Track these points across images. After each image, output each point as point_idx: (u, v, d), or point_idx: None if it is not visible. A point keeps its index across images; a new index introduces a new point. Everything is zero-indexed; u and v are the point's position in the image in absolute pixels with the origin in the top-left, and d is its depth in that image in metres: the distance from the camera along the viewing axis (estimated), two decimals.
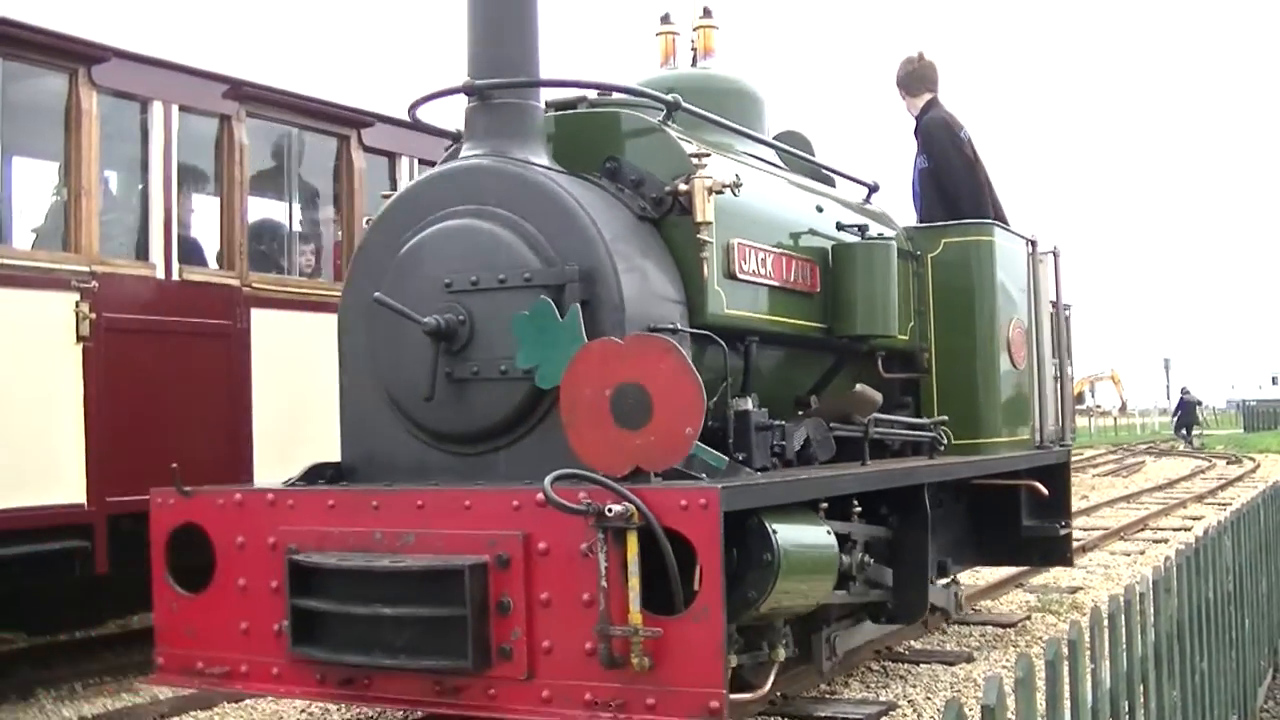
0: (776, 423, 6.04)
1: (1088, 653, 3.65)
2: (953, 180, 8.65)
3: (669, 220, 5.88)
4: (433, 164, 9.87)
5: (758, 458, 5.75)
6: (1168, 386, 71.88)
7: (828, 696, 6.95)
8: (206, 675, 5.56)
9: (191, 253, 8.56)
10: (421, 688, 5.07)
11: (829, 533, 5.63)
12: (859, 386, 6.81)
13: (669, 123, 6.13)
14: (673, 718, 4.58)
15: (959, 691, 7.03)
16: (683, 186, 5.77)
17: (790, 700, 6.71)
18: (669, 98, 6.14)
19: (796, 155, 7.79)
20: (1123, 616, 3.96)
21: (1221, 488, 22.62)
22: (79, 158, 7.53)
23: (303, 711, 6.97)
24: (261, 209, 9.43)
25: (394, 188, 9.64)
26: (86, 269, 7.44)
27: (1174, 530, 15.29)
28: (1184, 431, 47.99)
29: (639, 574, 4.57)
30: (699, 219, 5.72)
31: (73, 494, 7.31)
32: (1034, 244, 8.74)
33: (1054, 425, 8.95)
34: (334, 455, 6.01)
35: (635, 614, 4.55)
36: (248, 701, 7.19)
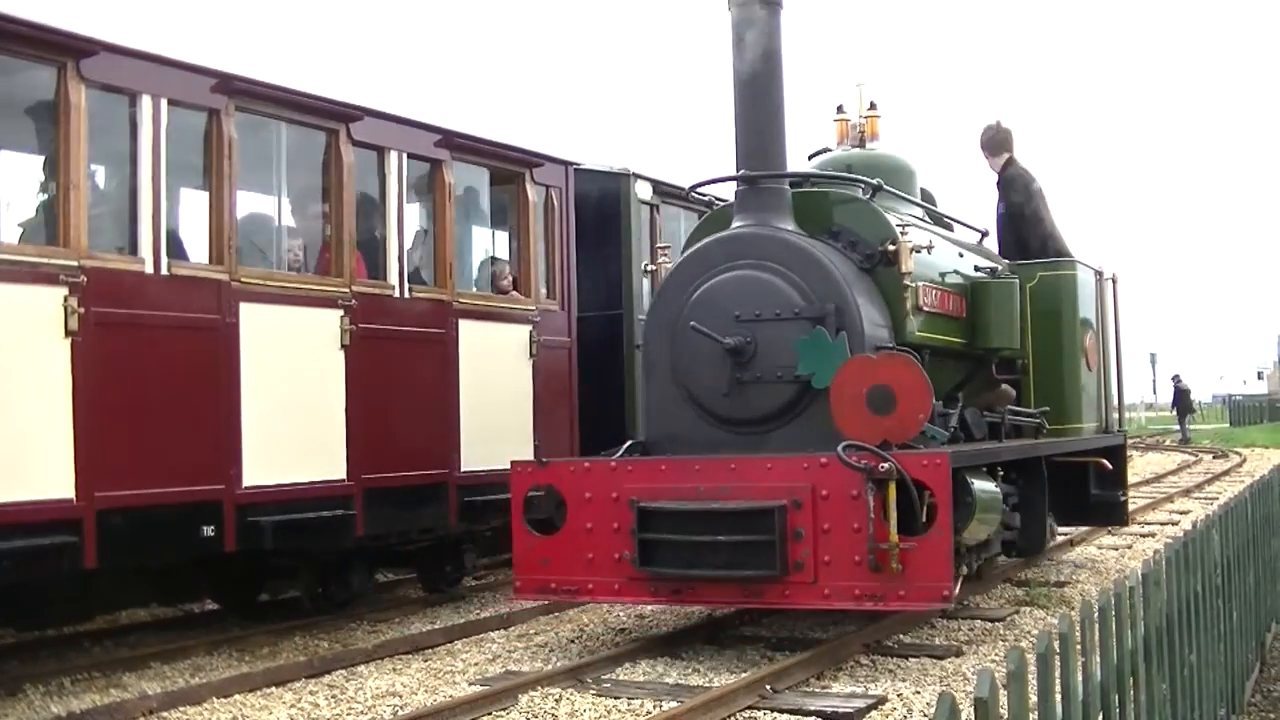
0: (947, 410, 8.60)
1: (1078, 646, 3.65)
2: (1025, 226, 11.21)
3: (878, 270, 8.38)
4: (422, 159, 9.98)
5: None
6: (1154, 381, 71.85)
7: (818, 690, 6.97)
8: (559, 592, 8.04)
9: (180, 247, 8.53)
10: (733, 592, 7.63)
11: (996, 486, 8.10)
12: (1003, 386, 9.88)
13: (872, 198, 8.72)
14: (917, 602, 7.15)
15: (948, 685, 7.04)
16: (891, 247, 8.33)
17: (780, 693, 6.73)
18: (874, 181, 8.81)
19: (933, 211, 10.40)
20: (1113, 610, 3.97)
21: (1208, 482, 22.69)
22: (67, 152, 7.49)
23: (291, 707, 6.98)
24: (250, 203, 9.41)
25: (382, 183, 9.64)
26: (75, 263, 7.41)
27: (1161, 524, 15.33)
28: (1183, 421, 46.68)
29: (895, 509, 6.94)
30: (904, 270, 8.28)
31: (61, 489, 7.28)
32: (1100, 273, 11.47)
33: (1115, 414, 11.88)
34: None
35: (894, 535, 6.96)
36: (237, 697, 7.20)
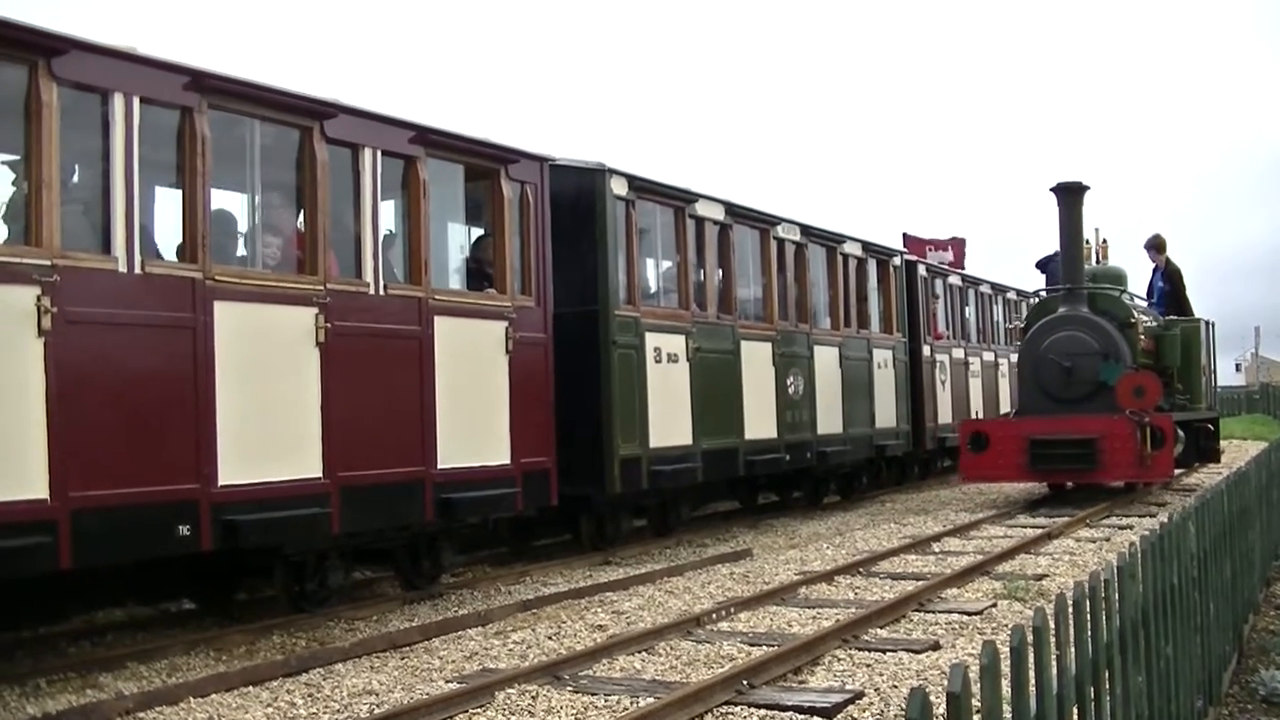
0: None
1: (1053, 639, 3.65)
2: (1180, 300, 20.62)
3: (1124, 329, 17.78)
4: (396, 155, 9.95)
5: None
6: None
7: (795, 685, 6.97)
8: (985, 479, 17.60)
9: (153, 245, 8.49)
10: (1074, 475, 17.50)
11: (1182, 432, 17.68)
12: (1178, 384, 19.48)
13: (1120, 295, 18.92)
14: (1159, 479, 17.83)
15: (925, 679, 7.05)
16: (1132, 320, 18.14)
17: (756, 688, 6.73)
18: (1120, 287, 19.15)
19: (1131, 294, 19.75)
20: (1088, 603, 3.97)
21: (1185, 474, 22.71)
22: (39, 151, 7.44)
23: (268, 706, 6.95)
24: (224, 201, 9.37)
25: (356, 180, 9.59)
26: (48, 262, 7.37)
27: (1138, 516, 15.40)
28: None
29: (1148, 438, 16.22)
30: (1140, 332, 18.24)
31: (35, 489, 7.24)
32: (1207, 322, 21.04)
33: (1212, 399, 21.89)
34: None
35: (1149, 450, 16.20)
36: (214, 697, 7.17)
